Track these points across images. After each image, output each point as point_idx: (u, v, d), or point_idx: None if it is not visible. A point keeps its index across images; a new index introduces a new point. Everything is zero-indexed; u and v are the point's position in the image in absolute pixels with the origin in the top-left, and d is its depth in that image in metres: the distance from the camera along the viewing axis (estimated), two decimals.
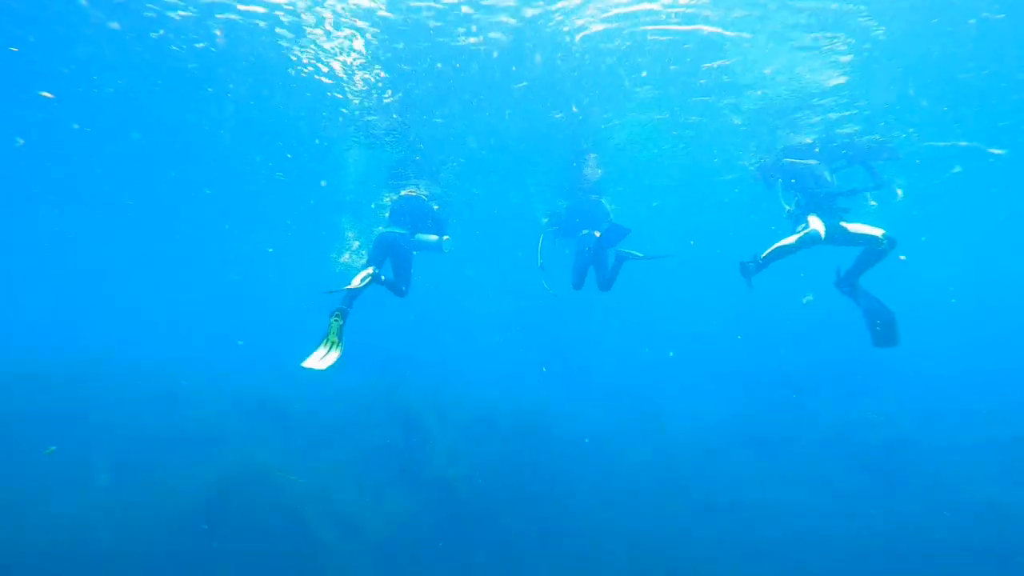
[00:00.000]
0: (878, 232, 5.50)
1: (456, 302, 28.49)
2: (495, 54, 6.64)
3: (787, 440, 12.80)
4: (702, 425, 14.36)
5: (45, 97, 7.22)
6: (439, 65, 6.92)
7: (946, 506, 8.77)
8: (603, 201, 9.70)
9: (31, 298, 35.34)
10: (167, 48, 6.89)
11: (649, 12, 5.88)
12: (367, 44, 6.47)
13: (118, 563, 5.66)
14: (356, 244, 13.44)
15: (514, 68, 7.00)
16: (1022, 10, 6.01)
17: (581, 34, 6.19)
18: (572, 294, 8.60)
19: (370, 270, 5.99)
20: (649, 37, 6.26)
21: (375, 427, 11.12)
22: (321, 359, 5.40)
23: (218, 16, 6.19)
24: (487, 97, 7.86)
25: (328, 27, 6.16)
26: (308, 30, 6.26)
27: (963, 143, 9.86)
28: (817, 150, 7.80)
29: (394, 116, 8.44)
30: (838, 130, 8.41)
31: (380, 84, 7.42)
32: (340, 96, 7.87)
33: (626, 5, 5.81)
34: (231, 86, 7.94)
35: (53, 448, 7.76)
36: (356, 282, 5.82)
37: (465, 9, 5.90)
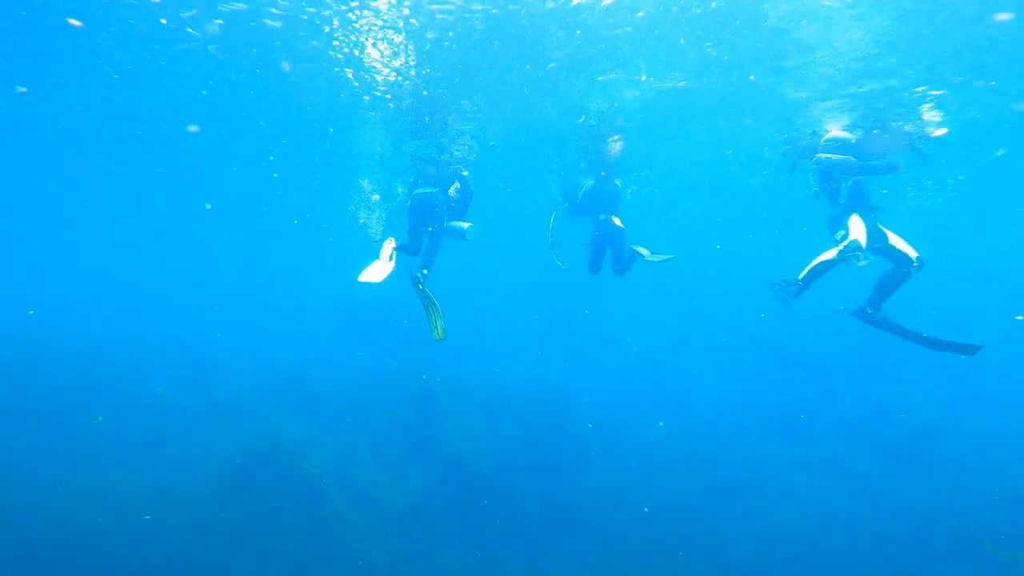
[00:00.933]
0: (912, 252, 5.34)
1: (475, 278, 28.57)
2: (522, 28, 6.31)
3: (807, 423, 12.59)
4: (722, 405, 14.17)
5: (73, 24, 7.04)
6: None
7: (968, 493, 8.63)
8: (618, 183, 9.44)
9: (65, 276, 37.03)
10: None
11: None
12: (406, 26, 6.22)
13: (145, 532, 5.99)
14: (376, 197, 13.59)
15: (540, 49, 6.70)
16: None
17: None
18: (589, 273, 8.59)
19: (392, 241, 6.35)
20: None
21: (395, 403, 11.35)
22: (376, 273, 5.96)
23: None
24: (515, 75, 7.57)
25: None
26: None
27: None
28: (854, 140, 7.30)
29: (424, 93, 8.21)
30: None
31: (410, 63, 7.18)
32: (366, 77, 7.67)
33: None
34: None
35: (101, 418, 8.16)
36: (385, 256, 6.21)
37: None
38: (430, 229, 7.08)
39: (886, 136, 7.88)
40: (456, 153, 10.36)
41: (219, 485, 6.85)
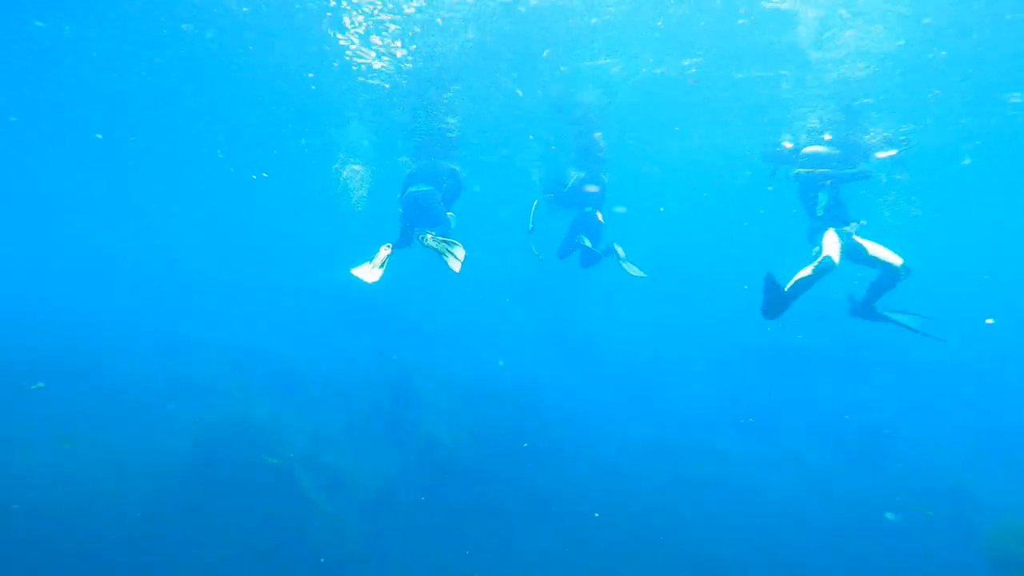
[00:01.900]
0: (897, 260, 5.45)
1: (463, 271, 28.35)
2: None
3: (776, 423, 12.94)
4: (697, 400, 14.35)
5: None
6: (470, 35, 6.45)
7: (916, 492, 9.13)
8: (606, 178, 9.44)
9: (32, 253, 35.55)
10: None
11: None
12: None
13: (103, 512, 5.68)
14: (356, 167, 13.43)
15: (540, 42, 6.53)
16: None
17: None
18: (567, 264, 8.75)
19: (388, 248, 6.25)
20: None
21: (372, 388, 11.12)
22: (367, 274, 5.97)
23: None
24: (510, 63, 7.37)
25: None
26: None
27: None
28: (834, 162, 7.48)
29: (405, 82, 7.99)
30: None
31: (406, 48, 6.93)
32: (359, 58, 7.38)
33: None
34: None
35: (42, 384, 7.74)
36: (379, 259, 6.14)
37: None
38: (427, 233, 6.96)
39: (864, 140, 8.10)
40: (449, 125, 10.08)
41: (182, 465, 6.56)
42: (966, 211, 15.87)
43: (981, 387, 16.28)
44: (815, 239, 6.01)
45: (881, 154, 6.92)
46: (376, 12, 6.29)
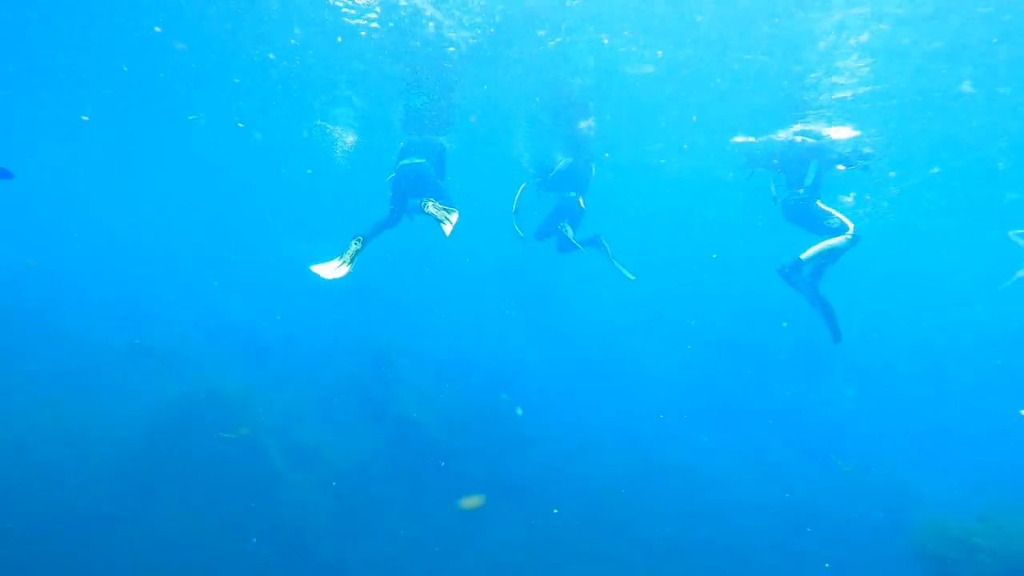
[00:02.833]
0: (850, 225, 5.73)
1: (442, 250, 28.16)
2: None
3: (741, 414, 13.41)
4: (668, 391, 14.73)
5: None
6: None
7: (861, 487, 9.76)
8: (593, 167, 9.48)
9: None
10: None
11: None
12: None
13: (60, 476, 5.58)
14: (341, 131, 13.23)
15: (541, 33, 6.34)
16: None
17: None
18: (550, 251, 8.80)
19: (357, 243, 6.19)
20: None
21: (348, 363, 11.06)
22: (331, 271, 5.88)
23: None
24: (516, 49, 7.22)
25: None
26: None
27: None
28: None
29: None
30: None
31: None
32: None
33: None
34: None
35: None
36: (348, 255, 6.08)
37: None
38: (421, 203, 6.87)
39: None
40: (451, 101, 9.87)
41: (145, 433, 6.44)
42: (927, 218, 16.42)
43: (930, 388, 17.22)
44: (810, 213, 6.22)
45: (840, 167, 7.16)
46: None
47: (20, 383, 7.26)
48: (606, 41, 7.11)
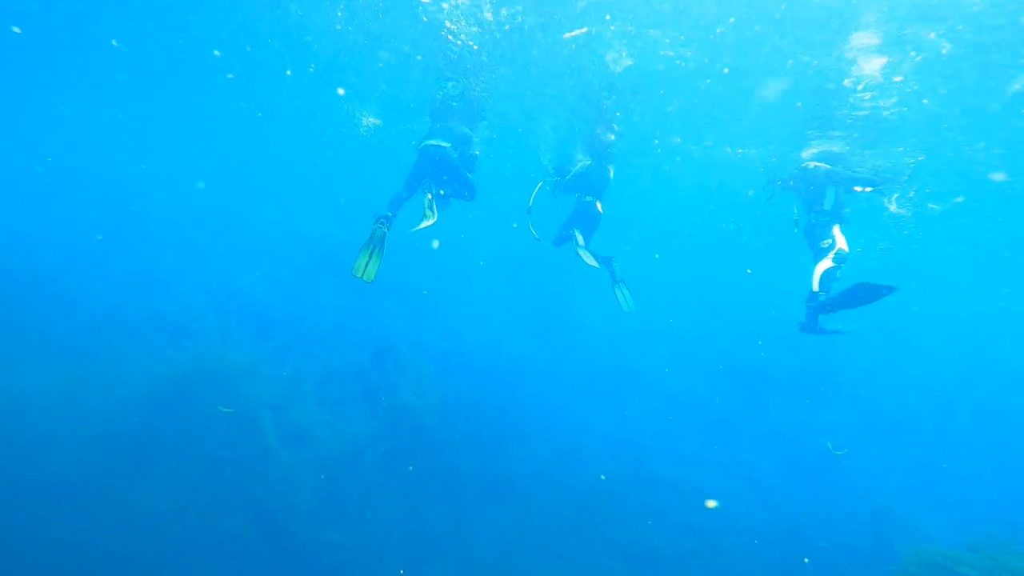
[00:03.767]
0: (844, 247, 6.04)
1: (453, 246, 28.24)
2: None
3: (738, 431, 13.33)
4: (666, 399, 14.65)
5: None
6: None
7: (850, 513, 9.70)
8: (611, 170, 9.40)
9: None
10: None
11: None
12: None
13: (58, 445, 5.68)
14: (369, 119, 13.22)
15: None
16: None
17: None
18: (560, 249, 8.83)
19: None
20: None
21: (348, 346, 11.13)
22: (365, 269, 5.89)
23: None
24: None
25: None
26: None
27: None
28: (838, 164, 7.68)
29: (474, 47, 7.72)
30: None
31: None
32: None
33: None
34: None
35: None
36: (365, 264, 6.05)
37: None
38: (439, 191, 6.99)
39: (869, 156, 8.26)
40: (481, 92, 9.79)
41: (143, 403, 6.53)
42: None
43: (930, 418, 16.99)
44: (823, 233, 6.34)
45: (858, 188, 7.03)
46: None
47: (27, 348, 7.39)
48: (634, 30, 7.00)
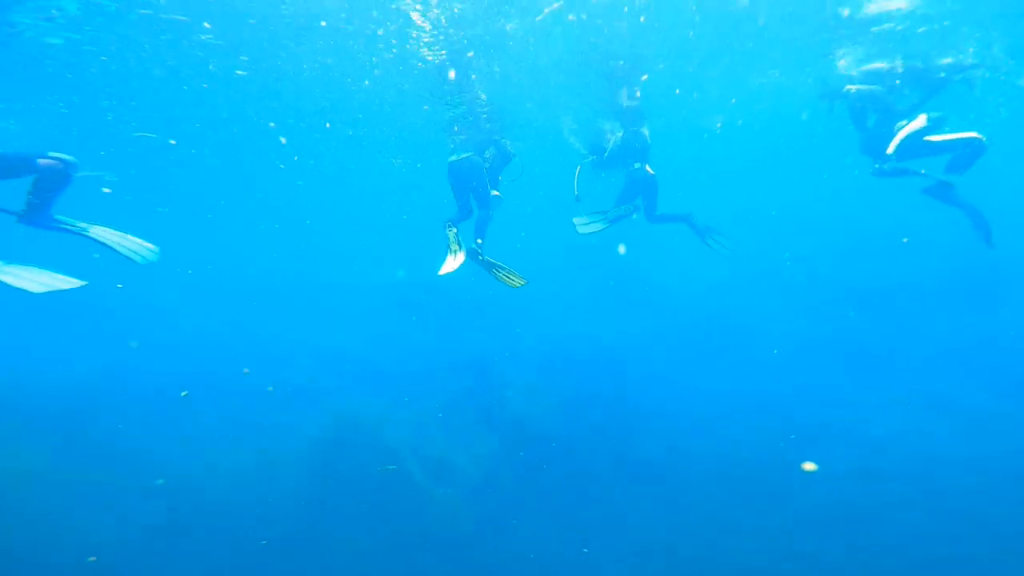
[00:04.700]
0: (972, 134, 5.84)
1: (522, 238, 28.50)
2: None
3: (899, 358, 11.70)
4: (790, 344, 13.49)
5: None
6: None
7: None
8: (646, 132, 9.01)
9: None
10: None
11: None
12: None
13: (235, 515, 6.59)
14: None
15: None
16: None
17: None
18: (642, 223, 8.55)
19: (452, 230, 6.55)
20: None
21: (453, 374, 11.68)
22: (452, 265, 6.38)
23: None
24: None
25: None
26: None
27: None
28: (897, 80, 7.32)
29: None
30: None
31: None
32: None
33: None
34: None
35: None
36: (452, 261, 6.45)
37: None
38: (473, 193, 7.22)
39: (923, 69, 7.64)
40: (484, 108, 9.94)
41: (311, 463, 7.43)
42: None
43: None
44: (874, 148, 6.30)
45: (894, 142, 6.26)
46: None
47: (205, 431, 8.71)
48: None
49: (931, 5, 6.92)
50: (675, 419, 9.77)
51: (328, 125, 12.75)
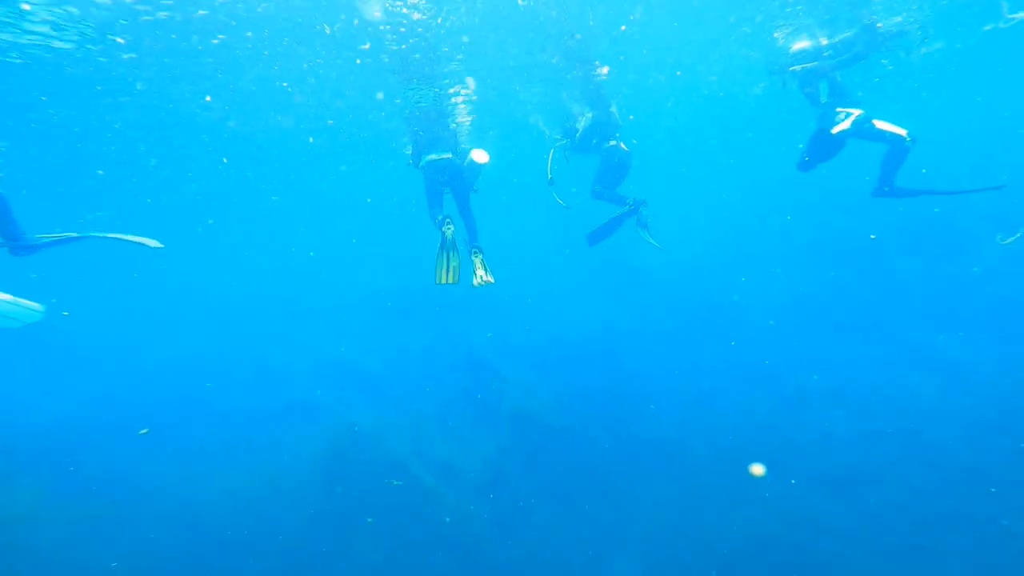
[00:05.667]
0: (902, 131, 5.93)
1: (510, 230, 28.40)
2: None
3: (870, 311, 11.97)
4: (776, 309, 13.68)
5: None
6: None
7: None
8: (614, 110, 8.96)
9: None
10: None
11: None
12: None
13: (241, 538, 6.52)
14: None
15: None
16: None
17: None
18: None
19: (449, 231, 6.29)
20: None
21: (448, 375, 11.66)
22: (449, 273, 6.28)
23: None
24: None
25: None
26: None
27: None
28: (826, 53, 7.51)
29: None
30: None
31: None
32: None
33: None
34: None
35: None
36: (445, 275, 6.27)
37: None
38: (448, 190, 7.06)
39: (857, 33, 7.90)
40: (456, 101, 9.80)
41: (313, 478, 7.37)
42: None
43: None
44: (831, 119, 6.34)
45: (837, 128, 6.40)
46: None
47: (179, 459, 8.58)
48: None
49: None
50: (670, 399, 9.91)
51: (312, 140, 12.56)
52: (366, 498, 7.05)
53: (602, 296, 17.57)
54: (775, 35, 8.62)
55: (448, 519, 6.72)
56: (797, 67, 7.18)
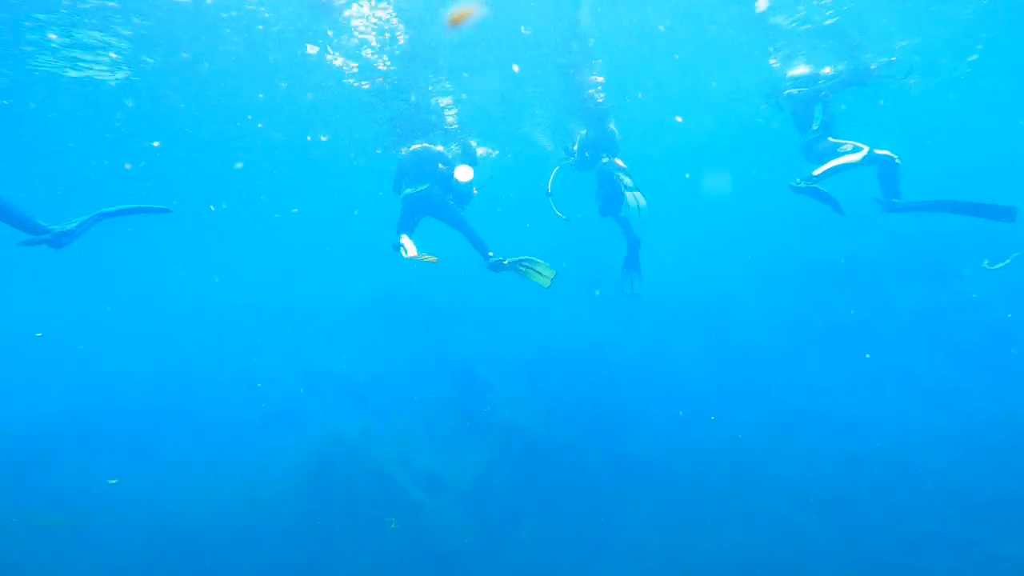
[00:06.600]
0: (889, 153, 6.12)
1: (503, 243, 28.43)
2: None
3: (858, 333, 12.10)
4: (766, 329, 13.78)
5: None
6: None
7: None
8: (612, 126, 9.15)
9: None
10: None
11: None
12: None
13: (218, 548, 6.31)
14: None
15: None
16: None
17: None
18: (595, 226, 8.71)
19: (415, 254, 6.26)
20: None
21: (436, 385, 11.51)
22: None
23: None
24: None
25: None
26: None
27: None
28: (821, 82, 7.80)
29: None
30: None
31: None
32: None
33: None
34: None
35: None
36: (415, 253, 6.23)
37: None
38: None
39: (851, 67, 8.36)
40: (444, 108, 9.89)
41: (297, 488, 7.16)
42: None
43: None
44: (824, 152, 6.57)
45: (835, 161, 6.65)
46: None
47: (155, 469, 8.32)
48: None
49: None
50: (658, 415, 9.88)
51: (309, 138, 12.57)
52: (349, 508, 6.87)
53: (592, 311, 17.59)
54: (770, 61, 8.90)
55: (433, 529, 6.57)
56: (790, 91, 7.35)
